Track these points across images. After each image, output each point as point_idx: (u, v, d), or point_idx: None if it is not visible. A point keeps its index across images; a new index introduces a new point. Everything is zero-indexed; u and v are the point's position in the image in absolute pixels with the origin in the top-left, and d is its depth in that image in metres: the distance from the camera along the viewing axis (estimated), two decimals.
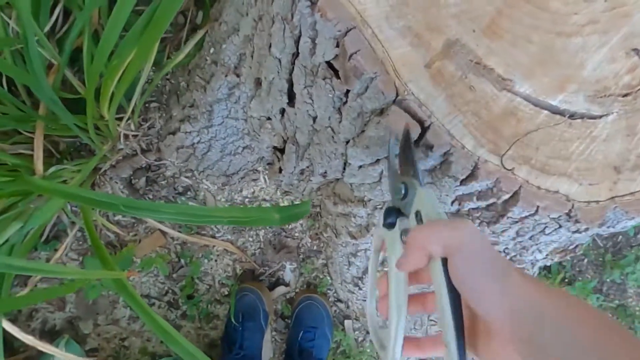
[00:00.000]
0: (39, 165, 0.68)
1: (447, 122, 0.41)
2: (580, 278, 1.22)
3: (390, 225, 0.36)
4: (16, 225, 0.75)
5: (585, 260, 1.24)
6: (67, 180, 0.79)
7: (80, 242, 0.98)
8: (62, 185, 0.50)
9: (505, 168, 0.42)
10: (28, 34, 0.50)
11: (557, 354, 0.26)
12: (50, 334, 0.98)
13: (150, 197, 1.02)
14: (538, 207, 0.43)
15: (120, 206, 0.45)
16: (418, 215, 0.34)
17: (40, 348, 0.70)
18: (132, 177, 1.01)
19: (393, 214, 0.36)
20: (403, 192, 0.36)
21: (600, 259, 1.24)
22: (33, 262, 0.54)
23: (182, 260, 1.04)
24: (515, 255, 0.58)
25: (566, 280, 1.20)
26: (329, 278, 1.07)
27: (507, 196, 0.43)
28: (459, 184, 0.44)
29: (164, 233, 1.02)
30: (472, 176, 0.42)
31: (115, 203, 0.46)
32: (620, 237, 1.28)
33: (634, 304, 1.24)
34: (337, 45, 0.42)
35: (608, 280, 1.24)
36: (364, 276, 0.90)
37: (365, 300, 1.00)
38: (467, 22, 0.42)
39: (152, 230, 1.02)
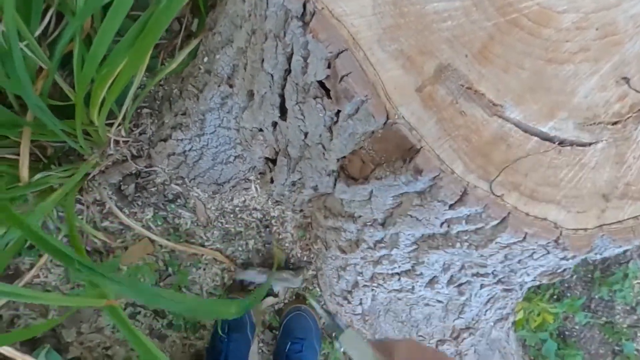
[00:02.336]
0: (24, 171, 0.67)
1: (437, 147, 0.41)
2: (569, 294, 1.23)
3: None
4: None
5: (575, 276, 1.25)
6: (54, 187, 0.78)
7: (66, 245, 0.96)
8: (19, 215, 0.49)
9: (494, 194, 0.42)
10: (12, 39, 0.49)
11: None
12: (32, 342, 0.95)
13: (139, 203, 1.00)
14: (526, 233, 0.42)
15: (75, 263, 0.45)
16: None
17: (19, 359, 0.68)
18: (121, 183, 1.00)
19: None
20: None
21: (589, 276, 1.25)
22: (14, 287, 0.53)
23: (170, 269, 1.02)
24: (503, 278, 0.58)
25: (555, 296, 1.20)
26: (318, 289, 1.06)
27: (495, 222, 0.43)
28: (447, 208, 0.43)
29: (152, 241, 1.00)
30: (461, 201, 0.42)
31: (70, 257, 0.46)
32: None
33: (621, 321, 1.25)
34: (329, 66, 0.41)
35: (596, 297, 1.25)
36: (353, 290, 0.89)
37: (355, 314, 0.99)
38: (459, 46, 0.42)
39: (140, 237, 1.00)
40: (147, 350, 0.49)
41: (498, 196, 0.41)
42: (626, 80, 0.47)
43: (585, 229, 0.44)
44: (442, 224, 0.49)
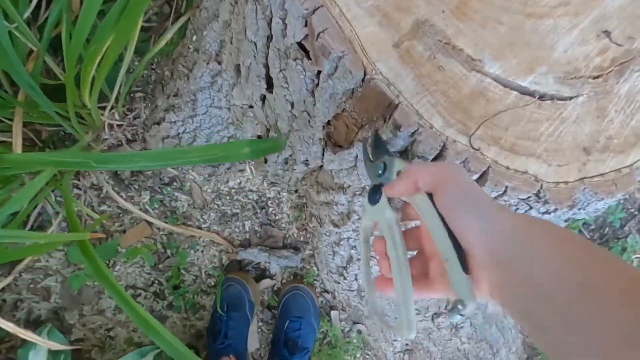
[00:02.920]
0: (17, 151, 0.68)
1: (415, 102, 0.41)
2: None
3: (376, 201, 0.38)
4: None
5: None
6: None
7: (65, 232, 0.98)
8: (35, 154, 0.50)
9: (473, 148, 0.42)
10: None
11: (535, 279, 0.26)
12: (35, 324, 0.98)
13: (136, 187, 1.01)
14: (507, 187, 0.43)
15: (91, 163, 0.45)
16: (400, 174, 0.37)
17: (22, 336, 0.70)
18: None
19: (377, 191, 0.39)
20: (382, 168, 0.39)
21: None
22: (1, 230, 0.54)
23: (168, 251, 1.03)
24: None
25: None
26: (315, 269, 1.07)
27: (476, 176, 0.43)
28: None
29: (149, 223, 1.02)
30: (440, 156, 0.42)
31: (86, 161, 0.46)
32: (607, 229, 1.29)
33: None
34: (306, 25, 0.42)
35: None
36: (348, 266, 0.90)
37: (351, 290, 1.00)
38: (437, 2, 0.42)
39: (137, 220, 1.02)
40: (136, 312, 0.50)
41: (476, 149, 0.42)
42: (607, 33, 0.47)
43: (566, 182, 0.44)
44: None
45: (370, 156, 0.42)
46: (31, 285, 0.98)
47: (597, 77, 0.46)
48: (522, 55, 0.44)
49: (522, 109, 0.44)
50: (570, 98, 0.45)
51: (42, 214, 0.96)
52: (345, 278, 0.95)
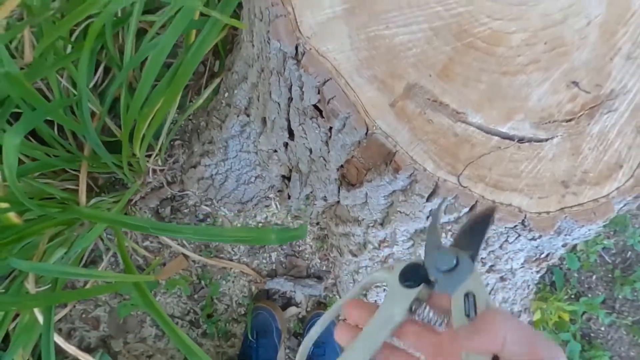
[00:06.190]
0: (82, 197, 0.81)
1: (410, 150, 0.50)
2: (590, 295, 1.23)
3: (409, 286, 0.32)
4: (61, 251, 0.88)
5: (594, 276, 1.25)
6: (104, 210, 0.92)
7: (114, 267, 1.09)
8: (105, 212, 0.61)
9: (462, 186, 0.50)
10: (83, 97, 0.64)
11: None
12: (86, 352, 1.08)
13: (175, 223, 1.13)
14: (494, 218, 0.50)
15: (149, 228, 0.56)
16: (469, 298, 0.29)
17: (81, 358, 0.80)
18: (158, 207, 1.13)
19: (417, 276, 0.32)
20: (453, 264, 0.31)
21: (610, 275, 1.25)
22: (82, 269, 0.65)
23: (203, 282, 1.13)
24: (492, 266, 0.65)
25: (573, 296, 1.21)
26: (338, 297, 1.13)
27: (466, 210, 0.51)
28: (425, 200, 0.52)
29: (186, 256, 1.12)
30: (434, 193, 0.50)
31: (145, 226, 0.57)
32: (630, 253, 1.29)
33: None
34: (319, 92, 0.52)
35: (620, 296, 1.24)
36: (367, 293, 0.96)
37: None
38: (424, 68, 0.52)
39: (175, 254, 1.13)
40: (178, 337, 0.59)
41: (465, 187, 0.50)
42: (576, 83, 0.54)
43: (548, 212, 0.51)
44: (427, 217, 0.57)
45: (439, 239, 0.34)
46: (83, 315, 1.09)
47: (570, 120, 0.53)
48: (500, 106, 0.52)
49: (503, 151, 0.51)
50: (546, 139, 0.53)
51: (94, 250, 1.09)
52: None
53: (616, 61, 0.55)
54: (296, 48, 0.51)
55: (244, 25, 0.61)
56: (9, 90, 0.56)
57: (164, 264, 1.12)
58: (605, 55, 0.55)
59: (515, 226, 0.51)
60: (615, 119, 0.54)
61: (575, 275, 1.24)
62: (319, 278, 1.15)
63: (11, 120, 0.74)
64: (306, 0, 0.51)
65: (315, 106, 0.56)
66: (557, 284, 1.20)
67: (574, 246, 1.23)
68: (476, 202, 0.50)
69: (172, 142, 1.13)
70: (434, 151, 0.50)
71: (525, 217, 0.50)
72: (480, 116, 0.52)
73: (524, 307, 0.97)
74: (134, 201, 1.10)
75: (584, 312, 1.19)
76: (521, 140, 0.52)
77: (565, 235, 0.54)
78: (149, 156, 1.01)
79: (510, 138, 0.52)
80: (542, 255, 0.62)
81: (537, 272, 0.73)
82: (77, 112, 0.68)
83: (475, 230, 0.34)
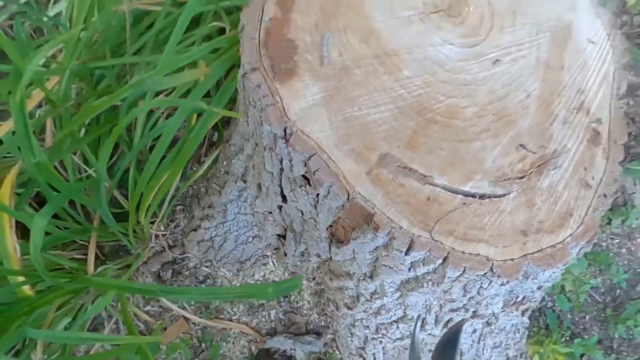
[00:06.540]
0: (90, 266, 0.86)
1: (386, 211, 0.58)
2: (585, 336, 1.24)
3: None
4: (66, 320, 0.91)
5: (587, 317, 1.28)
6: (110, 278, 0.96)
7: (115, 333, 1.11)
8: (114, 280, 0.67)
9: (434, 240, 0.57)
10: (101, 180, 0.72)
11: None
12: None
13: (176, 286, 1.17)
14: (465, 267, 0.56)
15: (157, 292, 0.61)
16: None
17: None
18: (160, 271, 1.17)
19: None
20: None
21: (602, 315, 1.27)
22: (94, 334, 0.68)
23: (203, 345, 1.14)
24: (475, 311, 0.70)
25: (567, 338, 1.22)
26: (337, 352, 1.14)
27: (440, 261, 0.57)
28: (404, 254, 0.59)
29: (187, 319, 1.14)
30: (411, 248, 0.57)
31: (154, 290, 0.62)
32: (618, 291, 1.32)
33: None
34: (305, 165, 0.61)
35: (616, 335, 1.26)
36: (365, 346, 0.98)
37: None
38: (393, 141, 0.62)
39: (176, 317, 1.15)
40: None
41: (437, 241, 0.57)
42: (523, 146, 0.64)
43: (512, 259, 0.58)
44: (409, 269, 0.64)
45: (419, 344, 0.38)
46: None
47: (522, 177, 0.62)
48: (461, 169, 0.61)
49: (467, 207, 0.59)
50: (504, 195, 0.61)
51: (96, 317, 1.11)
52: (364, 359, 1.02)
53: (555, 125, 0.65)
54: (285, 130, 0.61)
55: (240, 114, 0.72)
56: (37, 176, 0.64)
57: (165, 328, 1.13)
58: (545, 122, 0.65)
59: (485, 273, 0.57)
60: (561, 174, 0.63)
61: (569, 316, 1.26)
62: (318, 334, 1.16)
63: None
64: (291, 91, 0.62)
65: (304, 176, 0.64)
66: (550, 326, 1.22)
67: (562, 287, 1.27)
68: (448, 253, 0.57)
69: (173, 208, 1.20)
70: (407, 211, 0.58)
71: (492, 265, 0.57)
72: (445, 178, 0.60)
73: (519, 352, 0.99)
74: (137, 267, 1.14)
75: (582, 355, 1.20)
76: (482, 197, 0.60)
77: (533, 279, 0.60)
78: (152, 222, 1.08)
79: (473, 195, 0.60)
80: (519, 299, 0.67)
81: (522, 314, 0.77)
82: (94, 191, 0.76)
83: (449, 344, 0.41)
